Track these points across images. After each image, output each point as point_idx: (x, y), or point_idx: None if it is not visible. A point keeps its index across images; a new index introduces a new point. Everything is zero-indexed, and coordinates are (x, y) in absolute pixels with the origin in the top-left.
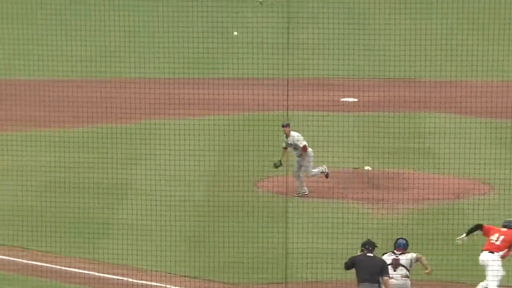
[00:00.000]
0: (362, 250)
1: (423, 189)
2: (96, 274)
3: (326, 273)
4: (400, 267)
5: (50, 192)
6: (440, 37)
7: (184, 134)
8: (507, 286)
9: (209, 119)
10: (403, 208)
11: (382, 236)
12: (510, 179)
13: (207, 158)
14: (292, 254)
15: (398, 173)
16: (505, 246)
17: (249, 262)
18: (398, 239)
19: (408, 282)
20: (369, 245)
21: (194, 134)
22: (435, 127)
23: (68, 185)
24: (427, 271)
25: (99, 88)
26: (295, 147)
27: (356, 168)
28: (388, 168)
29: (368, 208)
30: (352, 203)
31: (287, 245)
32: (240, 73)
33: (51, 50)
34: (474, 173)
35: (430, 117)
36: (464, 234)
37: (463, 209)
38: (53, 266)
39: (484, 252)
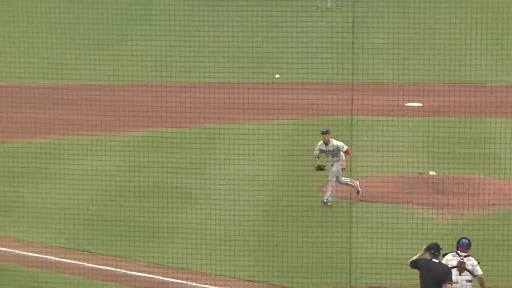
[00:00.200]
0: (425, 252)
1: (489, 194)
2: (161, 278)
3: (391, 279)
4: (465, 272)
5: (115, 196)
6: (506, 42)
7: (249, 139)
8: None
9: (273, 124)
10: (468, 214)
11: (447, 241)
12: None
13: (272, 163)
14: (356, 259)
15: (463, 178)
16: None
17: (313, 267)
18: (461, 238)
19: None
20: (434, 250)
21: (258, 139)
22: (500, 132)
23: (133, 189)
24: None
25: (163, 93)
26: (334, 153)
27: (420, 173)
28: (453, 173)
29: (432, 214)
30: (417, 208)
31: (351, 250)
32: (305, 77)
33: (110, 54)
34: None
35: (495, 122)
36: None
37: None
38: (118, 270)
39: None
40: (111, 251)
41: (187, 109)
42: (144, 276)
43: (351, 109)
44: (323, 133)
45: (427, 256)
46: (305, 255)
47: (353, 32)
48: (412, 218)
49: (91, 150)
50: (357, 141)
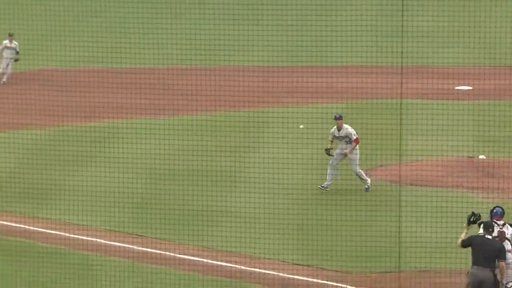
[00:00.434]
0: (470, 227)
1: None
2: (209, 261)
3: (440, 263)
4: (506, 241)
5: (163, 179)
6: None
7: (297, 122)
8: None
9: (322, 107)
10: None
11: None
12: None
13: (320, 146)
14: (405, 243)
15: None
16: None
17: (362, 250)
18: (494, 207)
19: None
20: (489, 227)
21: (307, 122)
22: None
23: (182, 173)
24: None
25: (213, 76)
26: (346, 140)
27: (470, 157)
28: (503, 157)
29: (482, 197)
30: (467, 192)
31: (400, 234)
32: (353, 61)
33: (164, 38)
34: None
35: None
36: None
37: None
38: (167, 253)
39: None
40: (160, 234)
41: (236, 93)
42: (193, 260)
43: (401, 93)
44: (336, 118)
45: (474, 231)
46: (353, 239)
47: (402, 15)
48: (462, 202)
49: (140, 133)
50: (406, 125)
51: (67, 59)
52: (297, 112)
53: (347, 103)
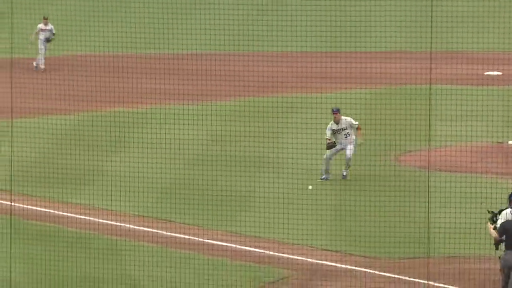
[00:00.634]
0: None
1: None
2: (238, 246)
3: (469, 248)
4: None
5: (193, 165)
6: None
7: (327, 108)
8: None
9: (350, 93)
10: None
11: None
12: None
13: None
14: (434, 228)
15: None
16: None
17: (390, 236)
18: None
19: None
20: None
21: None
22: None
23: (211, 158)
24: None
25: (242, 62)
26: (346, 133)
27: (499, 142)
28: None
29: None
30: (496, 177)
31: (429, 219)
32: (383, 46)
33: (196, 24)
34: None
35: None
36: None
37: None
38: (196, 238)
39: None
40: (189, 219)
41: (267, 79)
42: (221, 245)
43: (430, 78)
44: (333, 112)
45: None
46: (382, 224)
47: (432, 0)
48: (491, 187)
49: (170, 119)
50: (435, 110)
51: (98, 44)
52: (326, 98)
53: (375, 89)
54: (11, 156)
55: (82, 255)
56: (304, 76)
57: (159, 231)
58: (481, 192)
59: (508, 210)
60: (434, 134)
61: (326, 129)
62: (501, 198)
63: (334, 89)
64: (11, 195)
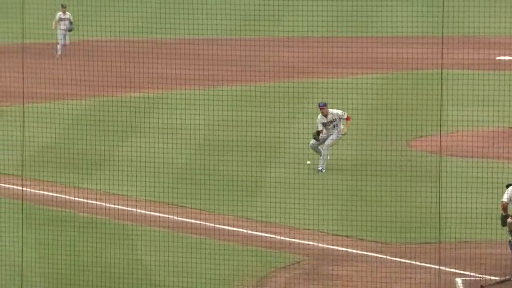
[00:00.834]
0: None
1: None
2: (249, 232)
3: (480, 234)
4: None
5: (204, 150)
6: None
7: (337, 93)
8: None
9: (362, 78)
10: None
11: None
12: None
13: (360, 117)
14: (445, 214)
15: None
16: None
17: (402, 221)
18: None
19: None
20: None
21: (347, 93)
22: None
23: (222, 144)
24: None
25: (255, 47)
26: (334, 124)
27: (511, 128)
28: None
29: None
30: (507, 162)
31: (440, 204)
32: (394, 31)
33: (210, 8)
34: None
35: None
36: None
37: None
38: (207, 223)
39: None
40: (200, 204)
41: (275, 64)
42: (233, 230)
43: (441, 63)
44: (320, 107)
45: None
46: (393, 209)
47: None
48: (502, 172)
49: (182, 104)
50: (447, 95)
51: (110, 29)
52: (336, 83)
53: (386, 74)
54: (23, 141)
55: (93, 240)
56: (314, 62)
57: (170, 216)
58: (492, 177)
59: None
60: (446, 119)
61: (318, 121)
62: None
63: (344, 74)
64: (22, 180)
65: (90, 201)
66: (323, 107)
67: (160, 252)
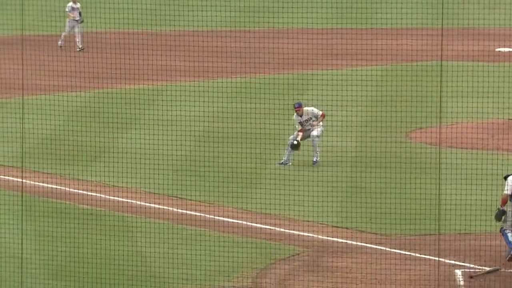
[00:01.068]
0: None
1: None
2: (249, 224)
3: (480, 225)
4: None
5: (205, 142)
6: None
7: (337, 85)
8: None
9: (361, 70)
10: None
11: None
12: None
13: (359, 109)
14: (445, 205)
15: None
16: None
17: (401, 213)
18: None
19: None
20: None
21: (346, 85)
22: None
23: (220, 136)
24: None
25: (252, 39)
26: (311, 121)
27: (511, 119)
28: None
29: None
30: (507, 154)
31: (440, 196)
32: (393, 23)
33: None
34: None
35: None
36: None
37: None
38: (206, 215)
39: None
40: (200, 196)
41: (275, 56)
42: (232, 222)
43: (441, 55)
44: (295, 108)
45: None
46: (392, 201)
47: None
48: (502, 164)
49: (182, 96)
50: (446, 87)
51: (112, 21)
52: (336, 75)
53: (385, 65)
54: (23, 133)
55: (93, 232)
56: (314, 53)
57: (170, 208)
58: (491, 169)
59: None
60: (445, 111)
61: (295, 121)
62: None
63: (344, 66)
64: (22, 172)
65: (90, 193)
66: (298, 108)
67: (160, 243)
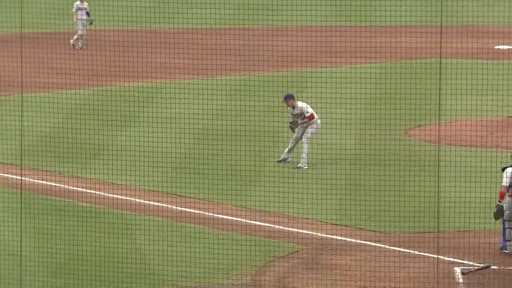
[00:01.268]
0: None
1: None
2: (248, 221)
3: (479, 223)
4: None
5: (202, 139)
6: None
7: (336, 82)
8: None
9: (360, 67)
10: None
11: None
12: None
13: (358, 107)
14: (444, 203)
15: None
16: None
17: (400, 211)
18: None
19: None
20: None
21: (345, 82)
22: None
23: (219, 133)
24: None
25: (252, 36)
26: (302, 117)
27: (510, 117)
28: None
29: None
30: (506, 151)
31: (439, 194)
32: (392, 20)
33: None
34: None
35: None
36: None
37: None
38: (206, 213)
39: None
40: (199, 194)
41: (275, 53)
42: (231, 219)
43: (440, 52)
44: (285, 99)
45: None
46: (392, 199)
47: None
48: (502, 162)
49: (181, 93)
50: (445, 84)
51: (111, 19)
52: (335, 73)
53: (384, 63)
54: (21, 130)
55: (92, 229)
56: (313, 51)
57: (169, 206)
58: (491, 167)
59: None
60: (444, 109)
61: (289, 112)
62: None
63: (343, 63)
64: (21, 169)
65: (89, 191)
66: (286, 99)
67: (159, 241)
